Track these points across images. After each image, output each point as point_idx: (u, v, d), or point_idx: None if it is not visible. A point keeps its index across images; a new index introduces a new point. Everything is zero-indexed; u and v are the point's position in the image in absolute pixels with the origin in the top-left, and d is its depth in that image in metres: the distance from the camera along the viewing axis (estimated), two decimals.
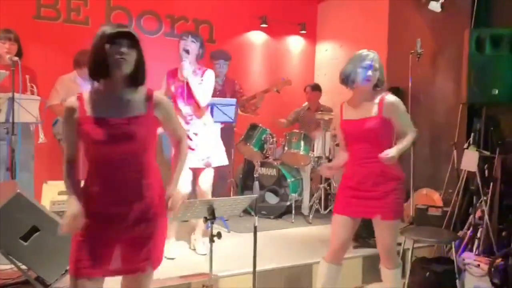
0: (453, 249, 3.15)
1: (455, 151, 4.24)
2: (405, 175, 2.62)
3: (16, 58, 3.30)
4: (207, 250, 3.47)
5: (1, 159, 3.43)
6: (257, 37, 6.10)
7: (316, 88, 5.40)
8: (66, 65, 4.93)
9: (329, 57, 6.36)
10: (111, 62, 1.73)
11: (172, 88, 3.42)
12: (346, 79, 2.53)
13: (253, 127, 4.87)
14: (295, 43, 6.41)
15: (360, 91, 2.54)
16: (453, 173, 4.27)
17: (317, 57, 6.55)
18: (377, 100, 2.51)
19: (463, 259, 3.44)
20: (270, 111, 5.63)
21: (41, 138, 3.75)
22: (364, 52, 2.51)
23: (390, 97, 2.52)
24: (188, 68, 3.30)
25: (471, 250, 3.67)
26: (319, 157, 4.88)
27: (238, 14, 5.79)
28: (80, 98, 1.79)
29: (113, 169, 1.77)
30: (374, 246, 3.78)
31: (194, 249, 3.59)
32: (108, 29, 1.75)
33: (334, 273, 2.68)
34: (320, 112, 4.96)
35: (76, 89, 4.21)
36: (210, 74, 3.42)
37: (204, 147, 3.43)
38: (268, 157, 4.92)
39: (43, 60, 4.38)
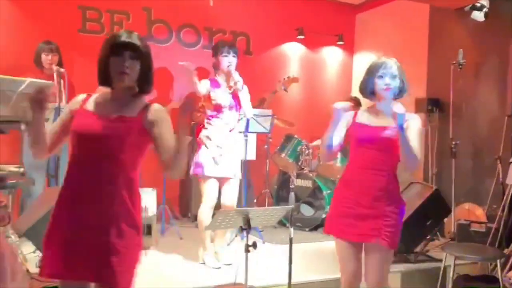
0: (499, 267, 3.02)
1: (500, 165, 4.07)
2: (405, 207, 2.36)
3: (62, 70, 3.47)
4: (232, 259, 3.47)
5: (44, 167, 3.54)
6: (294, 49, 6.11)
7: (359, 104, 5.35)
8: None
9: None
10: (113, 74, 1.75)
11: (217, 99, 3.43)
12: (365, 90, 2.36)
13: (289, 138, 4.86)
14: (332, 54, 6.38)
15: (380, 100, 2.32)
16: (498, 188, 4.09)
17: (355, 69, 6.48)
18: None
19: (509, 278, 3.28)
20: (308, 123, 5.60)
21: None
22: (381, 59, 2.31)
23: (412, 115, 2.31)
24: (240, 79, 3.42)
25: None
26: None
27: (275, 26, 5.83)
28: (89, 94, 1.84)
29: (87, 168, 1.70)
30: (413, 262, 3.68)
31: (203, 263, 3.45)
32: (111, 40, 1.75)
33: None
34: None
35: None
36: (245, 87, 3.54)
37: (237, 158, 3.52)
38: (303, 168, 4.88)
39: (86, 73, 4.52)
